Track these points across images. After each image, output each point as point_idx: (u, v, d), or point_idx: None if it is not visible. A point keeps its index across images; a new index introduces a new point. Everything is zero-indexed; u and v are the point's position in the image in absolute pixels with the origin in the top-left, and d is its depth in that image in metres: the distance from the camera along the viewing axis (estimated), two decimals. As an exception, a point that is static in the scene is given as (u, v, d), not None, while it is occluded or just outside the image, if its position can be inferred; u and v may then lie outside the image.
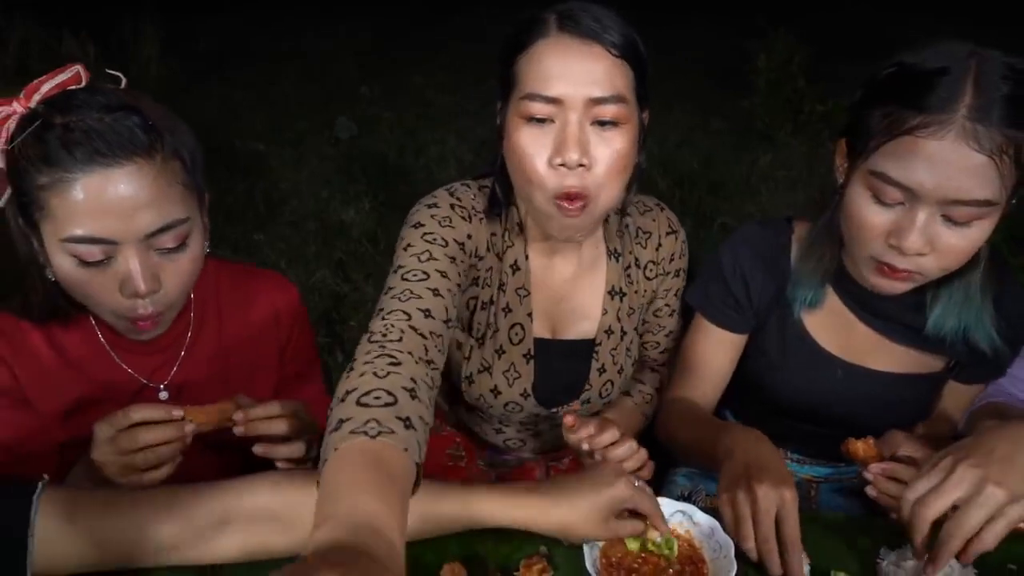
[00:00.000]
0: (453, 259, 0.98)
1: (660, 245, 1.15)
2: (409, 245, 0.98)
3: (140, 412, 0.87)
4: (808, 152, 4.09)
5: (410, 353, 0.81)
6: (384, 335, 0.83)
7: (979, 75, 0.87)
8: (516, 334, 1.13)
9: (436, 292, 0.92)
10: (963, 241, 0.92)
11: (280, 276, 1.18)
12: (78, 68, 0.87)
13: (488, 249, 1.08)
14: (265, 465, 0.93)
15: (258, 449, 0.92)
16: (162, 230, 0.87)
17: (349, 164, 3.87)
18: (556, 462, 1.34)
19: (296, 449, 0.93)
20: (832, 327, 1.15)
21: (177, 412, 0.89)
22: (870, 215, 0.95)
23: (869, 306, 1.11)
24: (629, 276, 1.15)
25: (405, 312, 0.87)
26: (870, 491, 0.98)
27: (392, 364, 0.78)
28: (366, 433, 0.66)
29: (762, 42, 4.35)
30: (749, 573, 0.87)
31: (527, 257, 1.11)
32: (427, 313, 0.88)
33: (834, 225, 1.05)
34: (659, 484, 1.35)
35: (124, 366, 1.02)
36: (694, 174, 3.80)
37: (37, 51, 4.47)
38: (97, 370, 1.01)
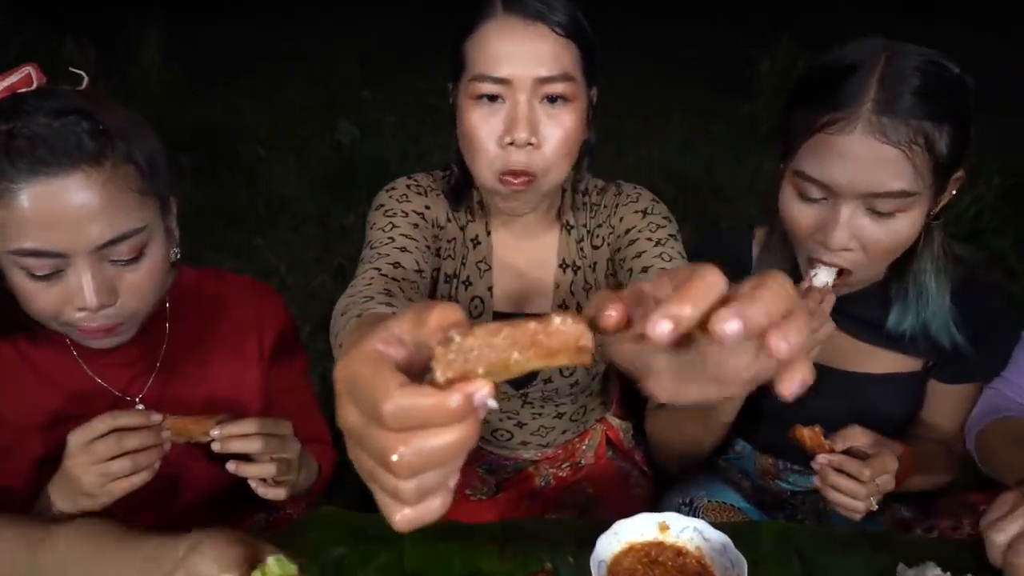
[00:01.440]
0: (416, 225, 1.04)
1: (621, 218, 1.10)
2: (373, 224, 1.04)
3: (118, 418, 0.85)
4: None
5: (385, 291, 0.84)
6: (353, 287, 0.86)
7: (887, 69, 0.88)
8: (476, 307, 1.14)
9: (404, 249, 0.97)
10: (888, 234, 0.93)
11: (264, 284, 1.16)
12: (29, 70, 0.83)
13: (449, 220, 1.12)
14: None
15: (230, 466, 0.90)
16: (115, 241, 0.83)
17: (351, 169, 3.85)
18: (556, 468, 1.32)
19: (266, 469, 0.90)
20: None
21: (156, 417, 0.88)
22: (797, 213, 0.97)
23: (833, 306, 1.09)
24: (582, 250, 1.13)
25: (375, 268, 0.92)
26: (816, 481, 0.98)
27: (366, 299, 0.80)
28: (364, 312, 0.73)
29: (765, 47, 4.33)
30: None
31: (488, 233, 1.13)
32: (396, 264, 0.93)
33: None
34: (657, 497, 1.31)
35: (97, 379, 0.99)
36: (697, 179, 3.77)
37: (38, 55, 4.45)
38: (69, 383, 0.98)
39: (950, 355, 1.07)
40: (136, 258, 0.87)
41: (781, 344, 0.36)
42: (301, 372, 1.19)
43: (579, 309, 1.16)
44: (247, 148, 4.09)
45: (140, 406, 1.01)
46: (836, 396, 1.12)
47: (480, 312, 1.13)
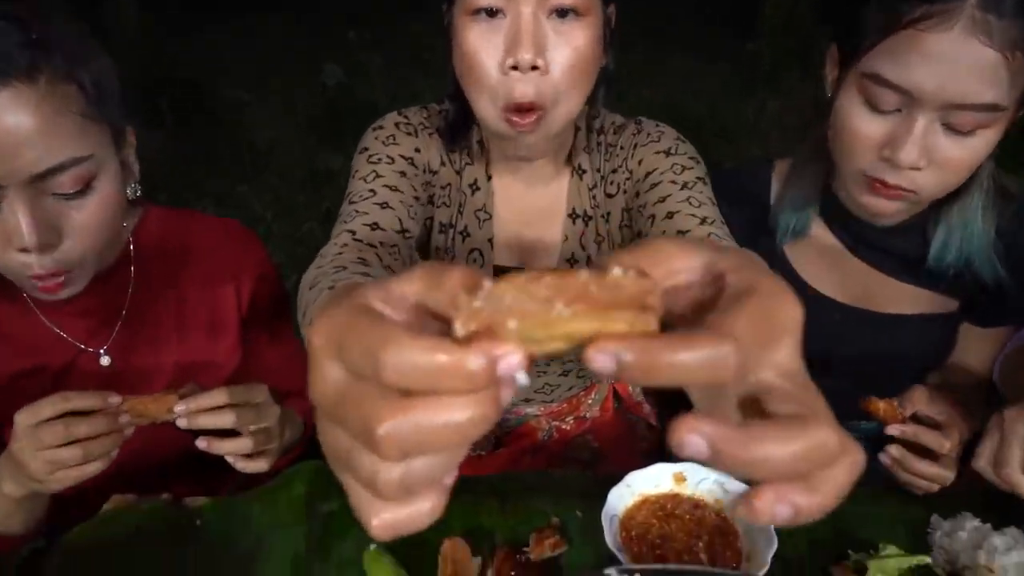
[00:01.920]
0: (403, 173, 0.90)
1: (640, 160, 0.97)
2: (356, 171, 0.91)
3: (69, 400, 0.74)
4: (817, 97, 3.92)
5: (359, 259, 0.73)
6: (323, 256, 0.74)
7: None
8: (475, 261, 1.02)
9: (384, 205, 0.84)
10: (964, 153, 0.83)
11: (241, 226, 1.05)
12: None
13: (443, 164, 0.99)
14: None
15: (200, 443, 0.81)
16: (54, 170, 0.73)
17: (337, 113, 3.70)
18: (559, 421, 1.24)
19: (242, 445, 0.82)
20: (823, 265, 1.04)
21: (113, 399, 0.77)
22: (863, 124, 0.86)
23: (863, 237, 1.01)
24: (595, 198, 1.01)
25: (349, 230, 0.79)
26: (884, 458, 0.89)
27: (338, 270, 0.68)
28: (337, 283, 0.62)
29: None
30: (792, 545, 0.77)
31: (489, 177, 1.00)
32: (374, 226, 0.80)
33: (821, 145, 0.96)
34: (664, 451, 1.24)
35: (55, 328, 0.90)
36: (699, 119, 3.64)
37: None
38: (24, 334, 0.89)
39: (990, 294, 0.99)
40: (82, 192, 0.76)
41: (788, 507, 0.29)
42: (284, 321, 1.10)
43: (590, 264, 1.05)
44: (229, 93, 3.93)
45: (105, 359, 0.93)
46: (866, 339, 1.05)
47: (479, 266, 1.02)
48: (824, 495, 0.29)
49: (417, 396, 0.27)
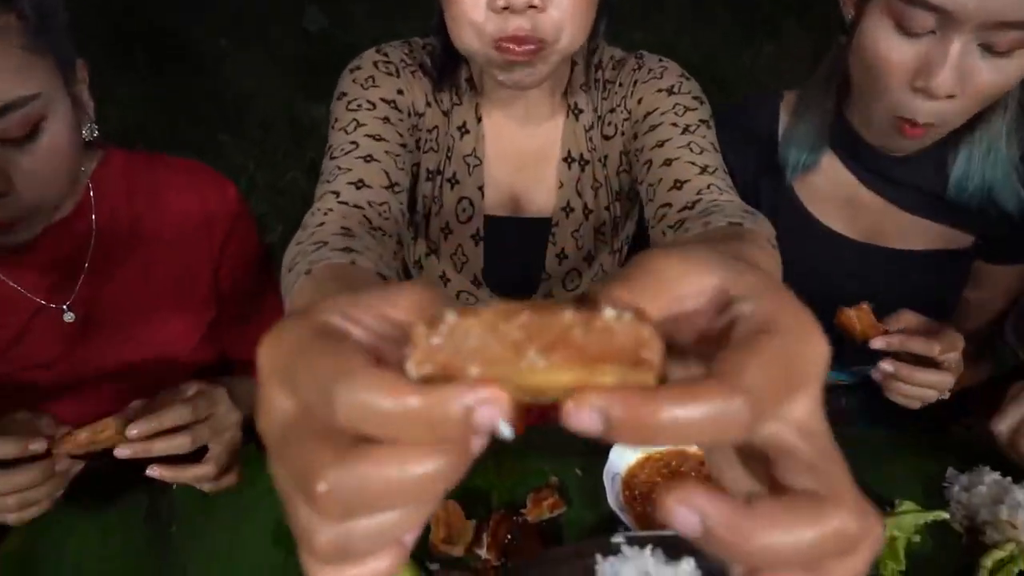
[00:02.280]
0: (386, 119, 0.82)
1: (640, 99, 0.90)
2: (336, 120, 0.83)
3: None
4: (816, 44, 3.82)
5: (343, 229, 0.66)
6: (305, 228, 0.67)
7: None
8: (464, 210, 0.96)
9: (369, 159, 0.77)
10: (999, 77, 0.77)
11: (212, 170, 0.97)
12: None
13: (429, 105, 0.91)
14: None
15: (154, 472, 0.71)
16: None
17: (320, 59, 3.57)
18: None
19: (205, 471, 0.73)
20: (835, 200, 1.00)
21: (36, 445, 0.67)
22: (893, 50, 0.79)
23: (878, 169, 0.95)
24: (591, 139, 0.94)
25: (333, 192, 0.72)
26: (876, 375, 0.85)
27: (318, 247, 0.62)
28: (314, 266, 0.56)
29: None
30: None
31: (479, 119, 0.92)
32: (359, 184, 0.73)
33: (832, 75, 0.91)
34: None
35: (12, 283, 0.83)
36: (694, 66, 3.52)
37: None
38: None
39: (1008, 227, 0.95)
40: (30, 136, 0.69)
41: None
42: (262, 273, 1.03)
43: (586, 211, 0.98)
44: (207, 40, 3.78)
45: (68, 315, 0.87)
46: (876, 277, 1.00)
47: (469, 216, 0.96)
48: (763, 536, 0.22)
49: (372, 444, 0.22)
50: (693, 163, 0.78)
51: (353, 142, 0.78)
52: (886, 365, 0.84)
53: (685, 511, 0.22)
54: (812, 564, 0.22)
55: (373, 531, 0.23)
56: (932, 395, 0.84)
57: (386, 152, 0.78)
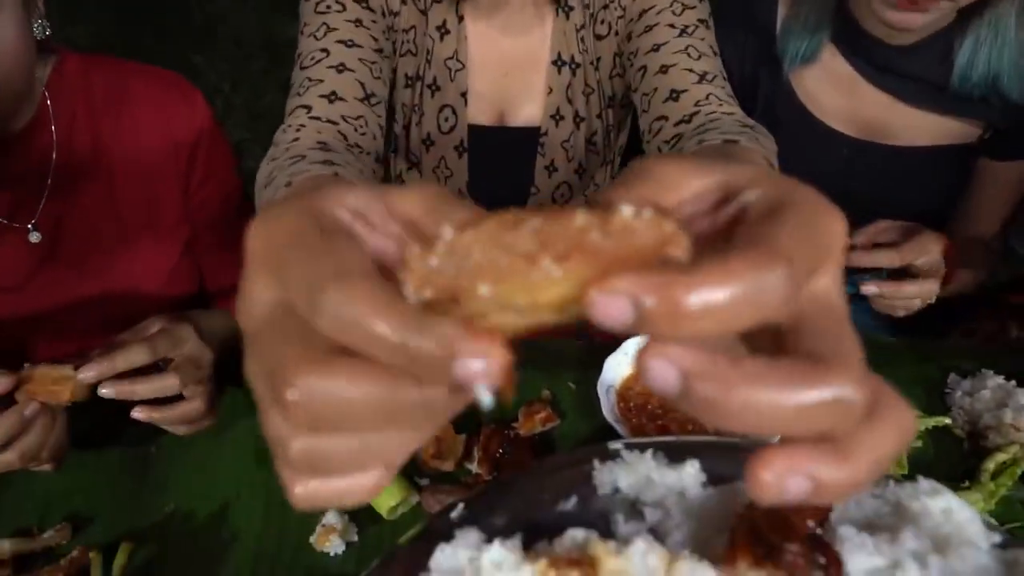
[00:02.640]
0: (358, 22, 0.76)
1: None
2: (305, 25, 0.77)
3: None
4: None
5: (318, 143, 0.62)
6: (277, 144, 0.63)
7: None
8: (446, 120, 0.90)
9: (341, 68, 0.71)
10: None
11: (177, 77, 0.90)
12: None
13: (404, 2, 0.84)
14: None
15: (138, 414, 0.68)
16: None
17: (296, -27, 3.39)
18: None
19: (192, 408, 0.70)
20: (834, 95, 0.96)
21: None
22: None
23: (879, 60, 0.91)
24: (583, 40, 0.88)
25: (304, 106, 0.67)
26: (865, 290, 0.84)
27: (294, 160, 0.58)
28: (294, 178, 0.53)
29: None
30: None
31: (461, 18, 0.85)
32: (331, 96, 0.68)
33: None
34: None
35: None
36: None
37: None
38: None
39: (1014, 121, 0.91)
40: None
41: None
42: (239, 197, 0.98)
43: (577, 119, 0.92)
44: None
45: (34, 235, 0.82)
46: (877, 175, 0.97)
47: (452, 125, 0.90)
48: (857, 465, 0.20)
49: (350, 357, 0.19)
50: (691, 70, 0.73)
51: (324, 49, 0.72)
52: (870, 287, 0.83)
53: (662, 364, 0.19)
54: (806, 431, 0.20)
55: (347, 449, 0.21)
56: (917, 304, 0.83)
57: (360, 60, 0.72)
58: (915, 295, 0.81)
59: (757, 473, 0.20)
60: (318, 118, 0.66)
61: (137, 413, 0.68)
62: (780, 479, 0.20)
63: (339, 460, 0.21)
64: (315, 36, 0.74)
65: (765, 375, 0.19)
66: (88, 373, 0.65)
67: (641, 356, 0.19)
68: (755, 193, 0.23)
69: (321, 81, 0.69)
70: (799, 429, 0.20)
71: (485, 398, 0.19)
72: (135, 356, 0.67)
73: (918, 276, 0.81)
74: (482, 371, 0.18)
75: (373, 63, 0.74)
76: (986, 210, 1.02)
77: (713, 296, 0.18)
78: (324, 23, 0.75)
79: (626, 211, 0.20)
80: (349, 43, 0.74)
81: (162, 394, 0.68)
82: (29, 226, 0.82)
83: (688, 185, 0.24)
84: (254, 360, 0.21)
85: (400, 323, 0.19)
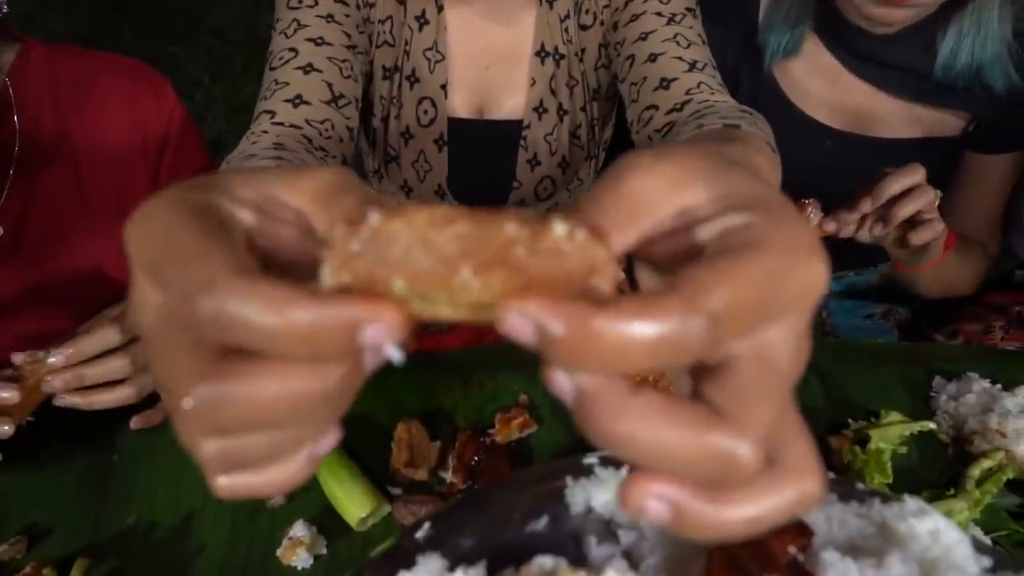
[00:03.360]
0: (329, 17, 0.73)
1: None
2: (277, 21, 0.74)
3: None
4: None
5: (277, 145, 0.59)
6: (241, 150, 0.60)
7: None
8: (425, 112, 0.88)
9: (308, 68, 0.68)
10: None
11: (145, 66, 0.88)
12: None
13: None
14: None
15: (64, 401, 0.64)
16: None
17: (278, -37, 3.34)
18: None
19: (123, 395, 0.66)
20: (816, 87, 0.95)
21: None
22: None
23: (862, 51, 0.91)
24: (567, 31, 0.85)
25: (268, 111, 0.65)
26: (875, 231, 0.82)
27: (247, 158, 0.57)
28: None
29: None
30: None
31: (440, 7, 0.83)
32: (296, 100, 0.65)
33: None
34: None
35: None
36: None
37: None
38: None
39: (998, 112, 0.90)
40: None
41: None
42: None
43: (560, 112, 0.89)
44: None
45: (-4, 229, 0.79)
46: (860, 167, 0.96)
47: (431, 118, 0.88)
48: (727, 514, 0.20)
49: (242, 357, 0.19)
50: (680, 58, 0.71)
51: (292, 48, 0.70)
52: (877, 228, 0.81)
53: (561, 378, 0.19)
54: (688, 476, 0.20)
55: (258, 445, 0.20)
56: (926, 236, 0.82)
57: (329, 59, 0.70)
58: (924, 239, 0.80)
59: (627, 484, 0.20)
60: (281, 123, 0.63)
61: (61, 400, 0.64)
62: (642, 497, 0.20)
63: (254, 456, 0.21)
64: (285, 34, 0.72)
65: (657, 413, 0.19)
66: (54, 359, 0.62)
67: (547, 365, 0.19)
68: (739, 219, 0.21)
69: (287, 84, 0.67)
70: (681, 472, 0.19)
71: (396, 356, 0.19)
72: (106, 337, 0.64)
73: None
74: (391, 331, 0.18)
75: (343, 61, 0.72)
76: (973, 207, 1.00)
77: (619, 338, 0.18)
78: (295, 19, 0.72)
79: (559, 229, 0.19)
80: (319, 41, 0.71)
81: (110, 377, 0.65)
82: None
83: (672, 199, 0.22)
84: (153, 367, 0.21)
85: (288, 303, 0.18)
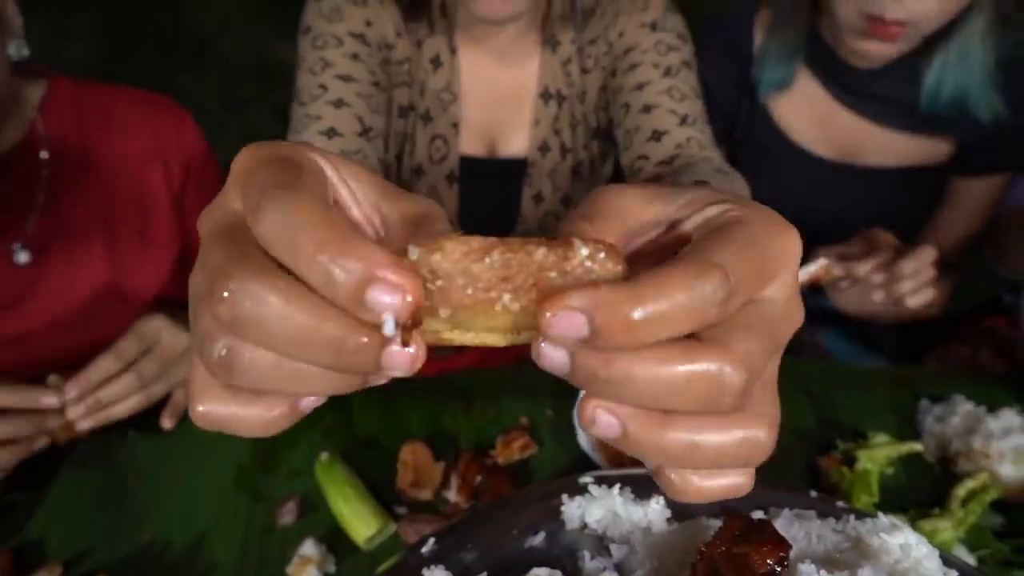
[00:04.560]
0: (355, 56, 0.78)
1: (622, 32, 0.85)
2: (302, 60, 0.78)
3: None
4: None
5: None
6: None
7: None
8: (437, 150, 0.91)
9: (339, 103, 0.72)
10: None
11: (168, 100, 0.92)
12: None
13: (399, 35, 0.85)
14: None
15: (98, 418, 0.69)
16: None
17: (286, -6, 3.42)
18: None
19: (136, 401, 0.70)
20: (809, 118, 0.99)
21: (49, 399, 0.67)
22: None
23: (851, 84, 0.95)
24: (569, 74, 0.90)
25: (304, 144, 0.68)
26: (877, 295, 0.83)
27: None
28: None
29: None
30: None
31: (454, 51, 0.87)
32: (330, 133, 0.69)
33: None
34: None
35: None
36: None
37: None
38: None
39: (983, 137, 0.94)
40: None
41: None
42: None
43: (563, 151, 0.93)
44: (165, -27, 3.59)
45: (22, 255, 0.82)
46: (851, 195, 0.99)
47: (443, 155, 0.91)
48: (668, 434, 0.22)
49: (289, 277, 0.21)
50: (673, 111, 0.75)
51: (322, 85, 0.74)
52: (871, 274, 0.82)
53: (549, 350, 0.22)
54: (680, 404, 0.22)
55: (262, 365, 0.22)
56: (922, 282, 0.82)
57: (357, 94, 0.74)
58: (914, 271, 0.81)
59: (581, 400, 0.23)
60: None
61: (81, 424, 0.68)
62: (593, 411, 0.22)
63: (252, 374, 0.22)
64: (312, 71, 0.76)
65: (649, 347, 0.21)
66: (71, 394, 0.67)
67: (535, 345, 0.22)
68: (714, 210, 0.26)
69: (319, 118, 0.71)
70: (676, 403, 0.22)
71: (388, 325, 0.20)
72: (104, 365, 0.68)
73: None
74: (392, 302, 0.20)
75: (370, 97, 0.76)
76: (956, 229, 1.03)
77: (657, 302, 0.21)
78: (322, 58, 0.77)
79: (582, 251, 0.22)
80: (346, 78, 0.75)
81: (123, 395, 0.69)
82: (17, 246, 0.82)
83: (650, 211, 0.27)
84: (201, 266, 0.23)
85: (328, 239, 0.20)
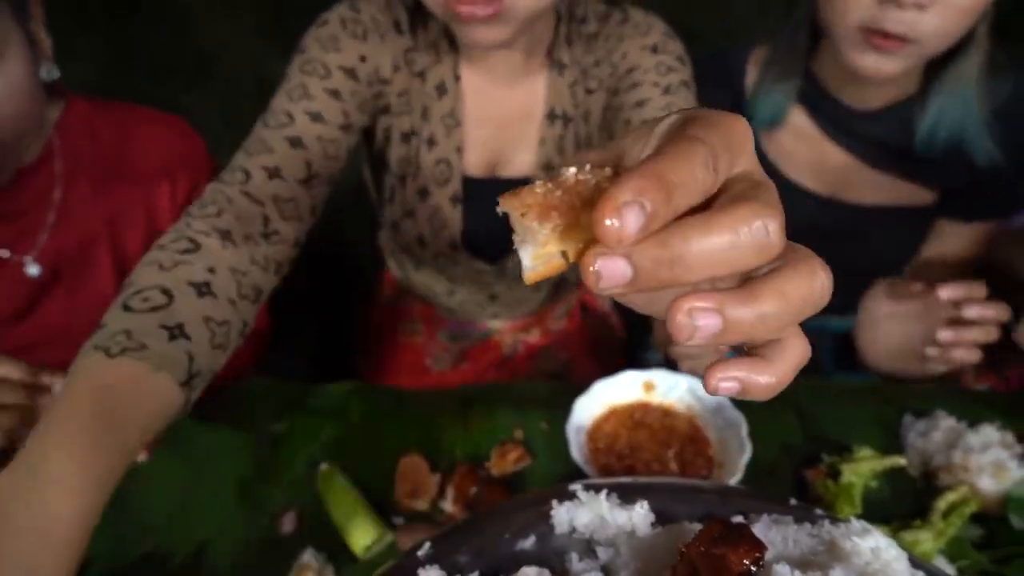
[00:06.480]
0: (335, 93, 0.78)
1: (624, 54, 0.88)
2: (287, 78, 0.79)
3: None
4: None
5: (224, 233, 0.63)
6: (201, 207, 0.65)
7: None
8: (441, 173, 0.94)
9: (296, 143, 0.73)
10: None
11: (181, 120, 0.96)
12: None
13: (397, 70, 0.87)
14: None
15: None
16: None
17: (289, 12, 3.46)
18: (525, 333, 1.20)
19: None
20: (800, 154, 1.00)
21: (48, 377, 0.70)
22: None
23: (843, 122, 0.96)
24: (575, 95, 0.92)
25: (245, 171, 0.69)
26: (940, 343, 0.84)
27: (186, 251, 0.60)
28: (107, 350, 0.52)
29: None
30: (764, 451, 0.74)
31: (458, 78, 0.90)
32: (273, 172, 0.70)
33: (801, 25, 0.92)
34: (634, 360, 1.22)
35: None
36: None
37: None
38: None
39: (976, 181, 0.95)
40: None
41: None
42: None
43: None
44: (169, -7, 3.64)
45: (33, 268, 0.85)
46: (840, 231, 1.01)
47: (447, 178, 0.94)
48: (762, 302, 0.26)
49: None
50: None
51: (290, 114, 0.75)
52: (945, 336, 0.83)
53: (607, 262, 0.25)
54: (732, 266, 0.26)
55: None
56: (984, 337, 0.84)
57: (318, 137, 0.75)
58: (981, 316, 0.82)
59: (673, 316, 0.26)
60: (248, 194, 0.67)
61: None
62: (691, 316, 0.25)
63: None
64: (290, 95, 0.77)
65: (691, 221, 0.25)
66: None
67: (586, 259, 0.26)
68: (668, 121, 0.30)
69: (272, 151, 0.71)
70: (728, 265, 0.25)
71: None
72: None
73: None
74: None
75: (332, 141, 0.76)
76: (939, 265, 1.05)
77: (675, 174, 0.25)
78: (303, 84, 0.77)
79: (607, 171, 0.29)
80: (316, 116, 0.75)
81: None
82: (29, 258, 0.85)
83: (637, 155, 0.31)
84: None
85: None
